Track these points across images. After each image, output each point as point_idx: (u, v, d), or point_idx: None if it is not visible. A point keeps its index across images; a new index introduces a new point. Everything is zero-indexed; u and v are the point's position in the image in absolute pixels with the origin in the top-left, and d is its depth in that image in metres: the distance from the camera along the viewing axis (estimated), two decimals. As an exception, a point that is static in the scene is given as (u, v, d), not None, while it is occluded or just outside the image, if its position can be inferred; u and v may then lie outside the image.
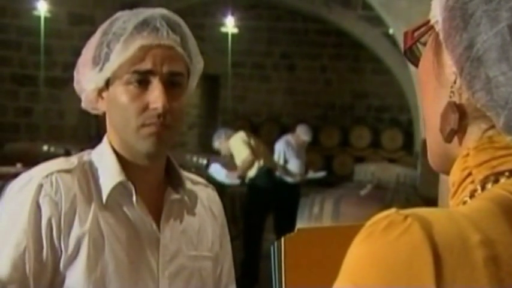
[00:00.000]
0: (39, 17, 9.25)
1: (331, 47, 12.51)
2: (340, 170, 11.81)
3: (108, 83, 1.28)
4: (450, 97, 0.70)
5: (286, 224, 6.64)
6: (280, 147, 7.53)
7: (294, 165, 7.53)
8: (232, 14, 10.50)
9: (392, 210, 0.62)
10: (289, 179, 7.52)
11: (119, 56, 1.25)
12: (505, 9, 0.65)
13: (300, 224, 5.58)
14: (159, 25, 1.26)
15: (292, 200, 6.84)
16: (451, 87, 0.69)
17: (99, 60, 1.27)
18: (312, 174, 8.07)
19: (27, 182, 1.27)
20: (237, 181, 6.70)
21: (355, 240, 0.62)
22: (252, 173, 6.64)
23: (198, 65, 1.34)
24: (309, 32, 12.48)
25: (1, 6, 9.50)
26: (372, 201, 5.83)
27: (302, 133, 7.68)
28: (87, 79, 1.30)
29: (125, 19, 1.28)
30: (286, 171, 7.51)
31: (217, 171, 6.88)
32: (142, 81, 1.25)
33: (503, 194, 0.64)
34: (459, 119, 0.69)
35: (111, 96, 1.28)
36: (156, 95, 1.24)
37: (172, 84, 1.27)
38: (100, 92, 1.30)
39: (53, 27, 9.41)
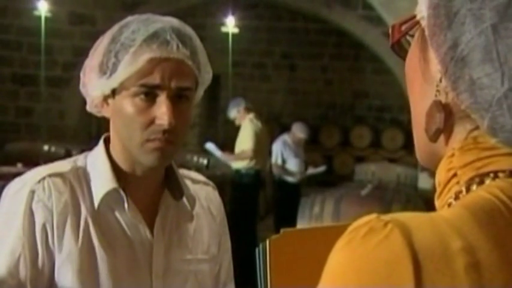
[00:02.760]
0: (39, 17, 9.26)
1: (331, 46, 12.50)
2: (340, 170, 11.81)
3: (114, 92, 1.26)
4: (436, 96, 0.68)
5: (287, 224, 6.60)
6: (277, 147, 7.52)
7: (292, 164, 7.52)
8: (233, 14, 10.50)
9: (373, 215, 0.61)
10: (289, 179, 7.52)
11: (127, 68, 1.22)
12: (489, 8, 0.64)
13: (300, 224, 5.58)
14: (169, 38, 1.23)
15: (293, 200, 6.83)
16: (437, 85, 0.68)
17: (106, 69, 1.25)
18: (312, 170, 8.05)
19: (20, 188, 1.26)
20: (230, 162, 6.65)
21: (336, 247, 0.61)
22: (240, 164, 6.59)
23: (207, 75, 1.32)
24: (309, 31, 12.47)
25: (2, 6, 9.50)
26: (372, 201, 5.83)
27: (298, 131, 7.67)
28: (93, 85, 1.28)
29: (134, 28, 1.24)
30: (286, 171, 7.50)
31: (212, 149, 6.82)
32: (150, 93, 1.23)
33: (487, 197, 0.63)
34: (445, 118, 0.68)
35: (117, 105, 1.27)
36: (162, 112, 1.22)
37: (180, 98, 1.25)
38: (106, 98, 1.28)
39: (53, 27, 9.41)
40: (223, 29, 10.68)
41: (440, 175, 0.70)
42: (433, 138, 0.69)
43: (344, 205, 5.50)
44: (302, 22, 12.27)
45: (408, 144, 11.70)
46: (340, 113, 12.69)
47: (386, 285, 0.57)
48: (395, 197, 6.33)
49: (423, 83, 0.71)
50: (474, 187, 0.66)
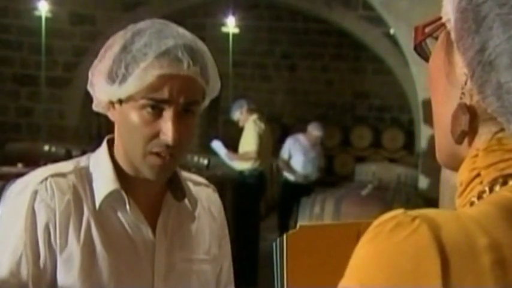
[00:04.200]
0: (40, 17, 9.27)
1: (332, 47, 12.51)
2: (341, 170, 11.82)
3: (121, 100, 1.26)
4: (461, 98, 0.69)
5: (288, 225, 6.59)
6: (287, 142, 7.58)
7: (297, 162, 7.49)
8: (233, 14, 10.50)
9: (400, 211, 0.62)
10: (290, 176, 7.50)
11: (136, 82, 1.22)
12: None
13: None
14: (180, 55, 1.23)
15: (295, 200, 6.80)
16: (462, 88, 0.69)
17: (115, 78, 1.24)
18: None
19: (23, 189, 1.27)
20: (233, 164, 6.61)
21: (362, 240, 0.62)
22: (244, 165, 6.57)
23: (216, 86, 1.33)
24: (310, 32, 12.48)
25: (2, 6, 9.51)
26: (373, 201, 5.83)
27: (313, 129, 7.66)
28: (100, 88, 1.28)
29: (147, 41, 1.24)
30: (288, 167, 7.49)
31: (218, 147, 6.80)
32: (157, 107, 1.23)
33: (510, 197, 0.63)
34: (470, 120, 0.68)
35: (123, 112, 1.27)
36: (168, 128, 1.22)
37: (187, 111, 1.25)
38: (112, 103, 1.29)
39: (54, 27, 9.42)
40: (224, 29, 10.69)
41: (463, 174, 0.70)
42: (459, 140, 0.69)
43: (344, 205, 5.49)
44: (302, 22, 12.28)
45: (408, 144, 11.72)
46: (340, 113, 12.70)
47: (413, 279, 0.58)
48: (396, 197, 6.33)
49: (447, 85, 0.71)
50: (497, 188, 0.66)
